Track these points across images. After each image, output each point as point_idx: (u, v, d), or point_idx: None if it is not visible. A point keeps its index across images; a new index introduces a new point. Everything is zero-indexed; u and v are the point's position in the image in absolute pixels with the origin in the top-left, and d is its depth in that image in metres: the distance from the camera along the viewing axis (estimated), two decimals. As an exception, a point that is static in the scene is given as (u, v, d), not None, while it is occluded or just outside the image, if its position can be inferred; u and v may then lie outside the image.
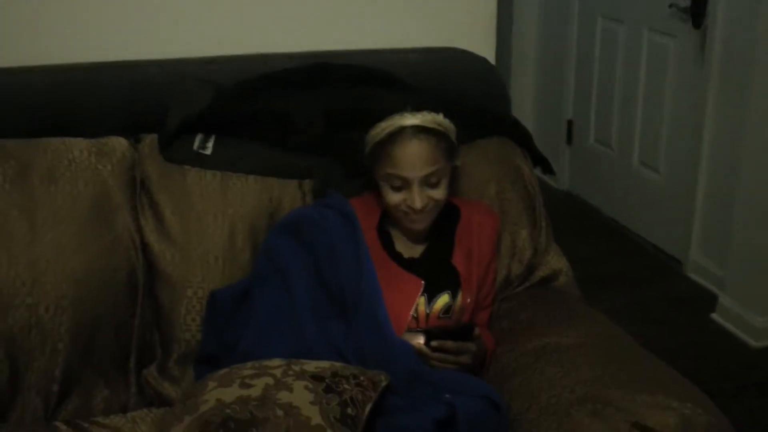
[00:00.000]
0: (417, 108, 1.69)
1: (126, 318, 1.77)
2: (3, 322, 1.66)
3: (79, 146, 1.79)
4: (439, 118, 1.70)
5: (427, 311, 1.73)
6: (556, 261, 2.00)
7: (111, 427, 1.70)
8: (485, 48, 2.23)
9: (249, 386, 1.47)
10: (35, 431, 1.68)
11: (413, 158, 1.66)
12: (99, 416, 1.73)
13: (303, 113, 1.88)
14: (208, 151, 1.84)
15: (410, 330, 1.69)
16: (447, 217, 1.80)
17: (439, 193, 1.71)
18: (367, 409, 1.46)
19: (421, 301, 1.72)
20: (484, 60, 2.15)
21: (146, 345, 1.81)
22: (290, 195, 1.87)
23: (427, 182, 1.68)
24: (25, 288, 1.67)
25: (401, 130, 1.67)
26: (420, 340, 1.64)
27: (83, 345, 1.72)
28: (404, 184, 1.68)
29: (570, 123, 4.57)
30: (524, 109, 4.81)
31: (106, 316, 1.74)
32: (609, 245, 4.01)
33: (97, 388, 1.76)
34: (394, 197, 1.70)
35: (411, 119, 1.67)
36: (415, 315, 1.72)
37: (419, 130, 1.67)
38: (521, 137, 2.06)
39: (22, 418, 1.69)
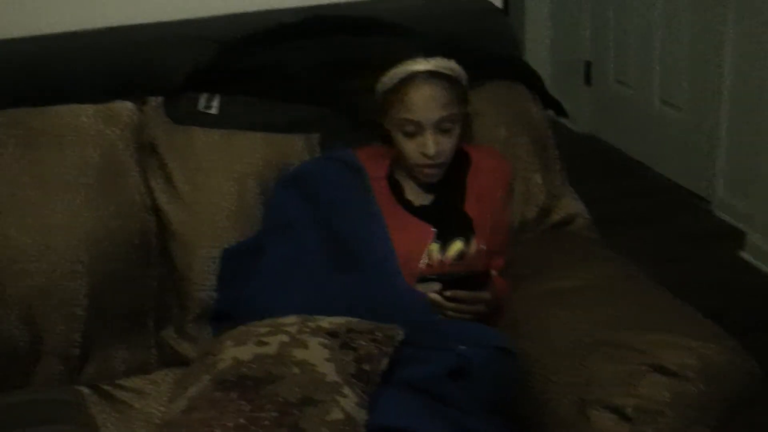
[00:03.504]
0: (427, 54, 1.68)
1: (142, 280, 1.77)
2: (19, 288, 1.66)
3: (86, 112, 1.79)
4: (452, 63, 1.70)
5: (441, 258, 1.71)
6: (571, 204, 1.97)
7: (133, 390, 1.71)
8: (491, -10, 2.18)
9: (265, 344, 1.47)
10: (61, 395, 1.69)
11: (427, 102, 1.66)
12: (120, 378, 1.75)
13: (304, 64, 1.85)
14: (214, 110, 1.83)
15: (424, 279, 1.67)
16: (458, 164, 1.78)
17: (451, 141, 1.70)
18: (383, 364, 1.45)
19: (434, 247, 1.71)
20: (488, 2, 2.11)
21: (164, 306, 1.81)
22: (298, 149, 1.85)
23: (440, 128, 1.67)
24: (40, 254, 1.67)
25: (414, 75, 1.67)
26: (435, 289, 1.63)
27: (100, 308, 1.73)
28: (417, 130, 1.67)
29: (588, 64, 4.49)
30: (540, 52, 4.74)
31: (121, 279, 1.74)
32: (632, 185, 3.95)
33: (117, 350, 1.77)
34: (407, 145, 1.69)
35: (424, 64, 1.68)
36: (429, 262, 1.70)
37: (432, 74, 1.67)
38: (531, 80, 2.03)
39: (45, 383, 1.71)
